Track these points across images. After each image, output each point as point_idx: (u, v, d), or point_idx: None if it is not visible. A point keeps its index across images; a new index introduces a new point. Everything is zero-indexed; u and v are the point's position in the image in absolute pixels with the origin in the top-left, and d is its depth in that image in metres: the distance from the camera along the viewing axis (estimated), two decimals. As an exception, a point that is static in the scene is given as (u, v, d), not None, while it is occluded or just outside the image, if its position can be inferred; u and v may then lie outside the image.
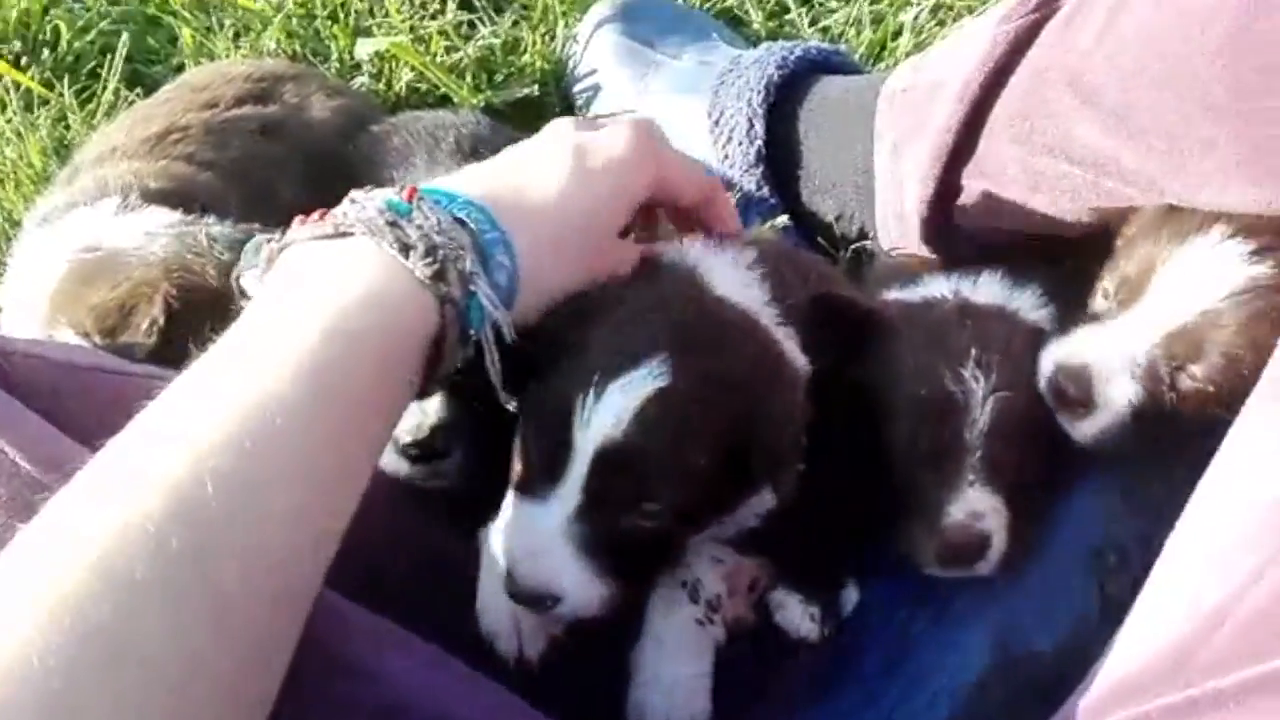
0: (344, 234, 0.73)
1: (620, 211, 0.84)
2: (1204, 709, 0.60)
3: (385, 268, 0.71)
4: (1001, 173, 1.04)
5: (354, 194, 0.75)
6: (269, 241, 0.75)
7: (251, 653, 0.60)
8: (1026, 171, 1.02)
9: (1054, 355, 0.91)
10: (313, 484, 0.65)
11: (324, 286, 0.70)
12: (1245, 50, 0.83)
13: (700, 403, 0.77)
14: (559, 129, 0.85)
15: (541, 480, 0.77)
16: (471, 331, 0.74)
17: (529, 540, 0.78)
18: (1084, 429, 0.91)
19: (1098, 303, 0.94)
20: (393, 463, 0.89)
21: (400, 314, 0.70)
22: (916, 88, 1.14)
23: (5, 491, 0.65)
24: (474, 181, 0.80)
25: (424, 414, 0.88)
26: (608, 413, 0.75)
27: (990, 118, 1.04)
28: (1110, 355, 0.89)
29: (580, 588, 0.77)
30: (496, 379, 0.77)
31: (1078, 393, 0.89)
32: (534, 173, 0.82)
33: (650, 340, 0.77)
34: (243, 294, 0.77)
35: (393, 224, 0.72)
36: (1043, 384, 0.91)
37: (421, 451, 0.89)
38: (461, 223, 0.75)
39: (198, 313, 0.86)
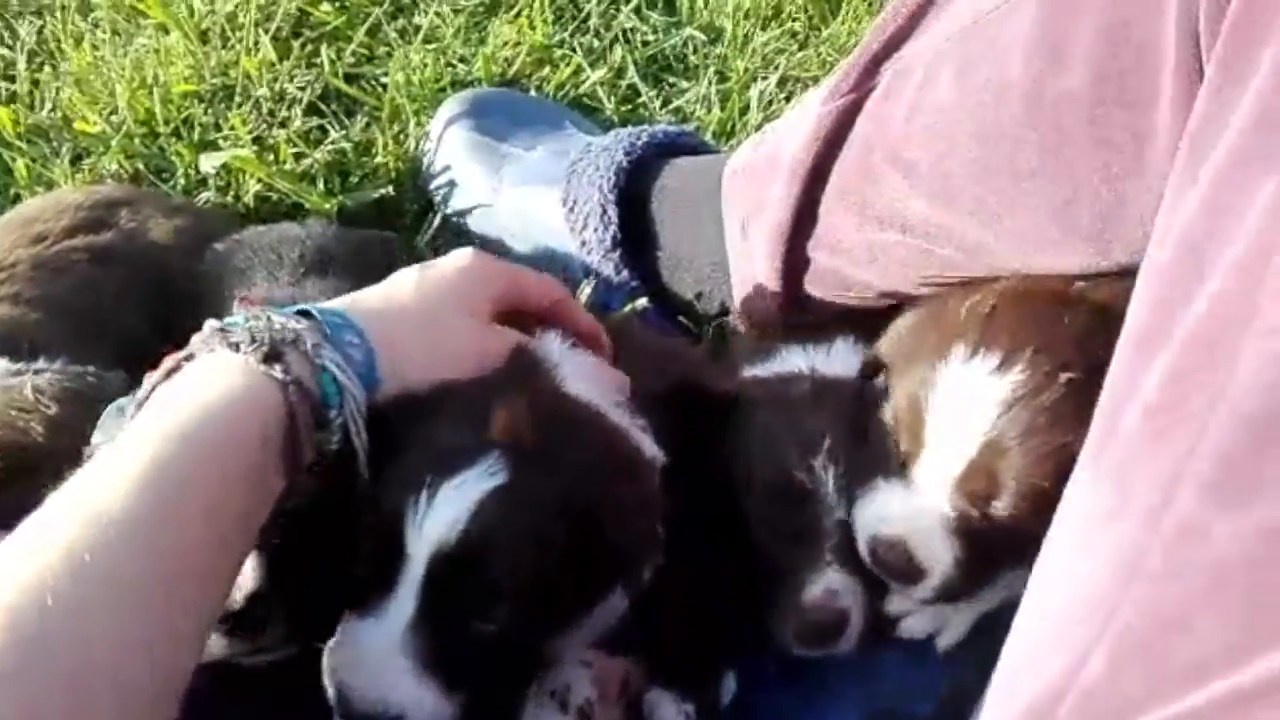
0: (186, 359, 0.74)
1: (471, 296, 0.88)
2: None
3: (221, 370, 0.72)
4: (841, 246, 1.06)
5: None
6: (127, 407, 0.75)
7: None
8: (863, 244, 1.04)
9: (866, 528, 0.89)
10: (152, 601, 0.63)
11: (163, 408, 0.71)
12: (1042, 116, 0.87)
13: (540, 499, 0.74)
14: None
15: (375, 593, 0.73)
16: (333, 413, 0.74)
17: (359, 656, 0.73)
18: (920, 592, 0.88)
19: (886, 447, 0.90)
20: (210, 642, 0.76)
21: (238, 406, 0.71)
22: (756, 166, 1.16)
23: None
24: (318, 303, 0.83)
25: (237, 585, 0.76)
26: (442, 515, 0.72)
27: (825, 193, 1.06)
28: (919, 522, 0.87)
29: (420, 703, 0.72)
30: (363, 456, 0.75)
31: (901, 564, 0.87)
32: (378, 287, 0.87)
33: (484, 437, 0.75)
34: None
35: (221, 330, 0.74)
36: (864, 557, 0.89)
37: (238, 623, 0.79)
38: (305, 314, 0.78)
39: (22, 472, 0.82)
